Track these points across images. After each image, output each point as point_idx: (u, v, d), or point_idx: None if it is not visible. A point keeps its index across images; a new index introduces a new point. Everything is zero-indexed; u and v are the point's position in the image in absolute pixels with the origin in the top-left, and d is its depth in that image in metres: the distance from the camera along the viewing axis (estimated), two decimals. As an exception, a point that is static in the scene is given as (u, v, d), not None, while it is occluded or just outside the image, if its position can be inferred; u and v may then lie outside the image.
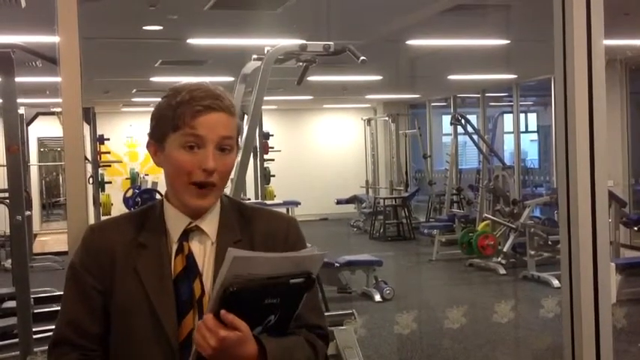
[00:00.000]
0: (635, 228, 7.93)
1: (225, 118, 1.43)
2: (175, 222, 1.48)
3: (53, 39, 1.89)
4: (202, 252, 1.47)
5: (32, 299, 4.97)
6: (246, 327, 1.28)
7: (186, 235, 1.47)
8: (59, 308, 1.51)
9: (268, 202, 8.35)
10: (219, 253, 1.46)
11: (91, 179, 10.11)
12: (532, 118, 15.86)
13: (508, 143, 12.47)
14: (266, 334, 1.34)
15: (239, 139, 1.51)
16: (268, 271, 1.26)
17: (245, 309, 1.27)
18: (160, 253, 1.46)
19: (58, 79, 1.86)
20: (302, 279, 1.29)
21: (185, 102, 1.42)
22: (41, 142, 13.85)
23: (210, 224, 1.49)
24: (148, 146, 1.51)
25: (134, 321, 1.43)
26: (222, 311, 1.26)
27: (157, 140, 1.48)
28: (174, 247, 1.47)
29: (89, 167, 10.15)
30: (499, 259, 8.51)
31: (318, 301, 1.60)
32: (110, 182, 11.23)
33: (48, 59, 4.54)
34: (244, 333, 1.28)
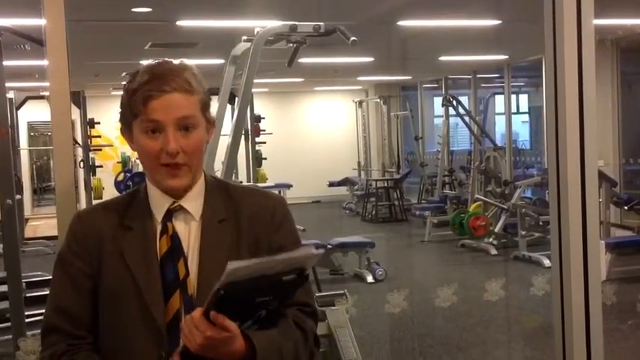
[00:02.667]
0: (626, 207, 7.97)
1: (178, 97, 1.41)
2: (159, 202, 1.48)
3: (41, 21, 1.87)
4: (187, 232, 1.47)
5: (24, 283, 4.97)
6: (236, 327, 1.29)
7: (169, 215, 1.47)
8: (49, 294, 1.51)
9: (260, 184, 8.35)
10: (204, 232, 1.47)
11: (81, 163, 10.08)
12: (523, 99, 15.87)
13: (499, 124, 12.48)
14: (255, 327, 1.34)
15: (207, 113, 1.49)
16: (262, 272, 1.25)
17: (237, 307, 1.28)
18: (144, 235, 1.46)
19: (46, 62, 1.85)
20: (294, 275, 1.28)
21: (137, 89, 1.41)
22: (31, 126, 13.77)
23: (194, 203, 1.49)
24: (122, 133, 1.50)
25: (121, 303, 1.43)
26: (212, 313, 1.26)
27: (126, 127, 1.48)
28: (159, 227, 1.47)
29: (80, 151, 10.12)
30: (490, 239, 8.55)
31: (309, 282, 1.60)
32: (101, 166, 11.21)
33: (36, 41, 4.50)
34: (233, 333, 1.29)
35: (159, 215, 1.48)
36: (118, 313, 1.44)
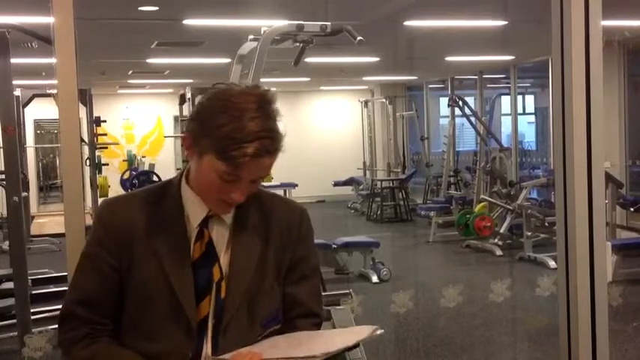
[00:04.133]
0: (632, 209, 7.96)
1: (271, 161, 1.40)
2: (195, 209, 1.48)
3: (49, 19, 1.88)
4: (220, 237, 1.49)
5: (30, 280, 4.98)
6: None
7: (205, 221, 1.48)
8: (69, 283, 1.51)
9: (265, 183, 8.34)
10: (236, 238, 1.49)
11: (87, 161, 10.10)
12: (529, 99, 15.84)
13: (505, 125, 12.47)
14: None
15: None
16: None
17: None
18: (179, 237, 1.46)
19: (53, 60, 1.85)
20: (350, 347, 1.39)
21: (241, 142, 1.34)
22: (38, 124, 13.81)
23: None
24: (184, 139, 1.45)
25: (153, 301, 1.44)
26: None
27: (194, 144, 1.41)
28: (194, 232, 1.47)
29: (86, 149, 10.14)
30: (496, 240, 8.53)
31: (320, 289, 1.65)
32: (107, 164, 11.23)
33: (43, 39, 4.51)
34: None
35: (195, 220, 1.47)
36: (149, 311, 1.44)
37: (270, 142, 1.37)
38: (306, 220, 1.60)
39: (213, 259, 1.46)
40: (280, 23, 4.44)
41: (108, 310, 1.47)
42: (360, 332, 1.46)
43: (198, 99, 1.48)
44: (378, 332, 1.41)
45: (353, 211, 12.91)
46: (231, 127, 1.34)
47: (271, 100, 1.41)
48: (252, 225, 1.51)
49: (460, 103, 10.08)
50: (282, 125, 1.41)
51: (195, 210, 1.47)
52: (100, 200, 10.92)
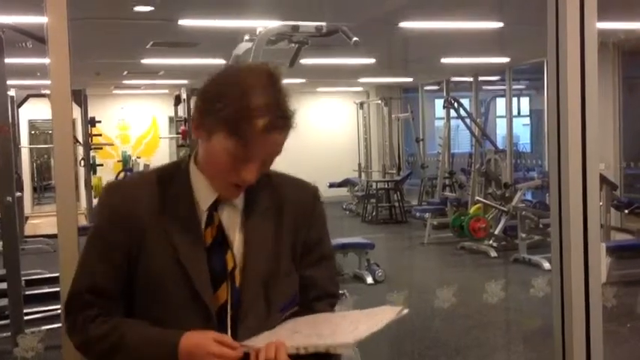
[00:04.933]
0: (627, 211, 7.97)
1: (282, 137, 1.37)
2: (205, 193, 1.43)
3: (43, 19, 1.87)
4: (231, 221, 1.44)
5: (23, 281, 4.97)
6: None
7: (215, 205, 1.43)
8: (76, 269, 1.46)
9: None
10: (248, 221, 1.45)
11: (82, 162, 10.07)
12: (524, 102, 15.87)
13: (500, 127, 12.46)
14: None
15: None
16: None
17: None
18: (190, 222, 1.41)
19: (48, 60, 1.84)
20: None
21: (259, 115, 1.31)
22: (32, 124, 13.77)
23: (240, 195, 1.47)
24: (193, 120, 1.40)
25: (167, 288, 1.39)
26: None
27: (203, 124, 1.37)
28: (204, 216, 1.43)
29: (81, 150, 10.11)
30: (490, 241, 8.54)
31: (335, 270, 1.64)
32: (102, 165, 11.19)
33: (38, 39, 4.50)
34: None
35: (204, 204, 1.42)
36: (163, 299, 1.39)
37: (281, 115, 1.34)
38: (319, 202, 1.58)
39: (226, 245, 1.42)
40: (276, 24, 4.43)
41: (116, 295, 1.42)
42: (385, 314, 1.41)
43: (205, 80, 1.43)
44: (404, 312, 1.36)
45: (348, 213, 12.90)
46: (240, 102, 1.31)
47: (280, 76, 1.39)
48: (264, 208, 1.46)
49: (455, 104, 10.09)
50: (292, 102, 1.39)
51: (204, 193, 1.42)
52: (94, 201, 10.91)
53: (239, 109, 1.31)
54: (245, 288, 1.41)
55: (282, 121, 1.35)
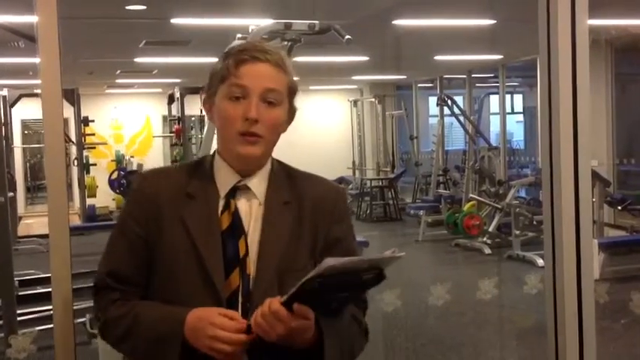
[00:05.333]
0: (619, 207, 7.99)
1: (270, 69, 1.44)
2: (225, 177, 1.48)
3: (34, 18, 1.86)
4: (248, 211, 1.47)
5: (16, 281, 4.95)
6: (313, 315, 1.31)
7: (233, 192, 1.47)
8: (102, 254, 1.52)
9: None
10: (267, 214, 1.47)
11: (75, 161, 10.05)
12: (518, 99, 15.89)
13: (494, 124, 12.50)
14: (323, 316, 1.36)
15: (292, 100, 1.51)
16: (345, 269, 1.28)
17: (317, 300, 1.30)
18: (207, 206, 1.46)
19: (38, 59, 1.84)
20: (373, 274, 1.32)
21: (233, 53, 1.45)
22: (25, 124, 13.73)
23: (258, 184, 1.50)
24: (203, 104, 1.51)
25: (181, 271, 1.43)
26: (296, 305, 1.27)
27: (210, 96, 1.48)
28: (221, 202, 1.47)
29: (74, 149, 10.08)
30: (484, 239, 8.56)
31: None
32: (95, 164, 11.17)
33: (29, 38, 4.48)
34: (311, 321, 1.31)
35: (222, 190, 1.48)
36: (178, 280, 1.43)
37: (260, 49, 1.44)
38: (342, 200, 1.60)
39: (240, 232, 1.45)
40: (268, 22, 4.43)
41: (138, 280, 1.47)
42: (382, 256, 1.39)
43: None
44: (398, 254, 1.35)
45: (342, 211, 12.90)
46: (223, 59, 1.46)
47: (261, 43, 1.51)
48: (285, 202, 1.49)
49: (449, 102, 10.10)
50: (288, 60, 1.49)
51: (224, 180, 1.48)
52: (87, 200, 10.88)
53: (223, 58, 1.46)
54: (258, 277, 1.43)
55: (260, 53, 1.44)
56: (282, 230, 1.46)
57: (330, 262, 1.24)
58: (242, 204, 1.47)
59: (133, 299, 1.46)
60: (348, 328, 1.46)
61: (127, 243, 1.47)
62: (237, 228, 1.45)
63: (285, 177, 1.53)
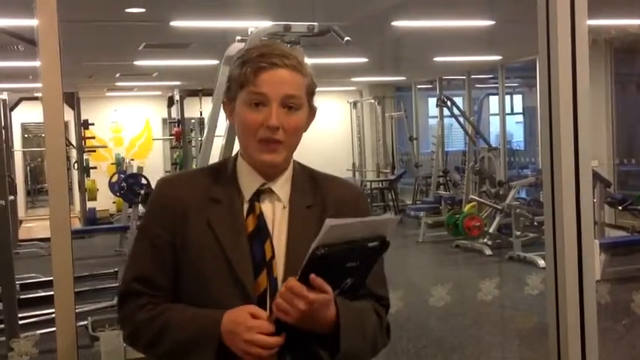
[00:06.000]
0: (620, 208, 7.99)
1: (289, 74, 1.43)
2: (249, 181, 1.49)
3: (34, 22, 1.86)
4: (272, 214, 1.48)
5: (18, 285, 4.95)
6: (331, 290, 1.32)
7: (257, 195, 1.48)
8: (128, 260, 1.52)
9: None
10: (292, 217, 1.48)
11: (75, 165, 10.05)
12: (517, 99, 15.88)
13: (494, 125, 12.49)
14: (340, 297, 1.37)
15: (311, 100, 1.51)
16: (349, 236, 1.31)
17: (329, 272, 1.31)
18: (232, 210, 1.46)
19: (39, 63, 1.84)
20: (378, 242, 1.35)
21: (250, 60, 1.43)
22: (25, 127, 13.73)
23: (282, 188, 1.50)
24: (224, 107, 1.52)
25: (210, 275, 1.43)
26: (312, 275, 1.28)
27: (230, 100, 1.49)
28: (246, 206, 1.47)
29: (74, 152, 10.09)
30: (485, 240, 8.55)
31: (383, 273, 1.62)
32: (95, 167, 11.17)
33: (29, 42, 4.49)
34: (330, 295, 1.32)
35: (247, 194, 1.48)
36: (207, 283, 1.43)
37: (280, 53, 1.43)
38: (363, 201, 1.61)
39: (266, 234, 1.45)
40: (267, 24, 4.43)
41: (165, 284, 1.46)
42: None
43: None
44: (394, 217, 1.42)
45: (343, 212, 12.89)
46: (241, 65, 1.44)
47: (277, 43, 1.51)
48: (308, 205, 1.50)
49: (448, 103, 10.10)
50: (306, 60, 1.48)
51: (248, 183, 1.48)
52: (88, 203, 10.89)
53: (240, 67, 1.44)
54: (286, 279, 1.41)
55: (279, 59, 1.43)
56: (308, 232, 1.44)
57: (331, 222, 1.27)
58: (266, 207, 1.48)
59: (162, 304, 1.46)
60: (367, 314, 1.47)
61: (153, 248, 1.47)
62: (262, 231, 1.46)
63: (308, 179, 1.54)
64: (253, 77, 1.41)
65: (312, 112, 1.52)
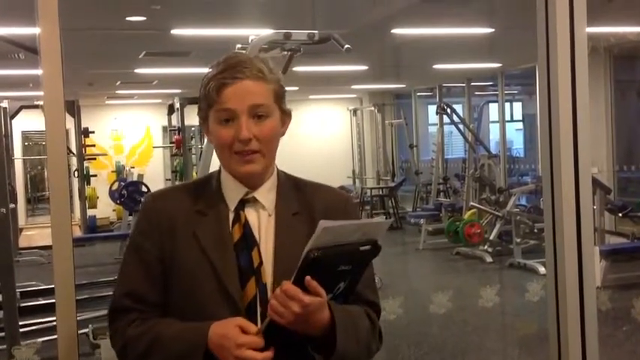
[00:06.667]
0: (620, 214, 7.99)
1: (251, 85, 1.44)
2: (232, 192, 1.50)
3: (35, 30, 1.87)
4: (258, 222, 1.49)
5: (18, 293, 4.95)
6: (324, 293, 1.32)
7: (242, 204, 1.49)
8: (118, 276, 1.52)
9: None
10: (278, 225, 1.49)
11: (76, 172, 10.05)
12: (517, 106, 15.90)
13: (494, 132, 12.50)
14: (333, 302, 1.38)
15: (282, 104, 1.52)
16: (342, 239, 1.32)
17: (322, 276, 1.31)
18: (218, 221, 1.48)
19: (40, 71, 1.84)
20: (370, 246, 1.36)
21: (213, 77, 1.45)
22: (26, 135, 13.74)
23: (266, 196, 1.51)
24: (200, 126, 1.54)
25: (198, 287, 1.44)
26: (308, 277, 1.29)
27: (203, 120, 1.50)
28: (231, 215, 1.48)
29: (74, 160, 10.09)
30: (485, 247, 8.55)
31: (374, 279, 1.63)
32: (95, 175, 11.16)
33: (30, 50, 4.50)
34: (325, 298, 1.32)
35: (231, 204, 1.50)
36: (195, 294, 1.44)
37: (239, 66, 1.44)
38: (351, 207, 1.62)
39: (252, 242, 1.46)
40: (268, 32, 4.44)
41: (155, 299, 1.47)
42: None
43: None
44: (386, 220, 1.43)
45: (343, 220, 12.88)
46: (205, 84, 1.46)
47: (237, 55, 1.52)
48: (294, 212, 1.51)
49: (448, 110, 10.11)
50: (268, 65, 1.49)
51: (232, 193, 1.50)
52: (88, 211, 10.88)
53: (205, 87, 1.46)
54: (275, 285, 1.43)
55: (238, 72, 1.43)
56: (295, 239, 1.46)
57: (325, 223, 1.28)
58: (251, 215, 1.49)
59: (151, 319, 1.47)
60: (360, 318, 1.47)
61: (142, 263, 1.48)
62: (249, 239, 1.47)
63: (293, 188, 1.55)
64: (217, 95, 1.43)
65: (285, 114, 1.54)
